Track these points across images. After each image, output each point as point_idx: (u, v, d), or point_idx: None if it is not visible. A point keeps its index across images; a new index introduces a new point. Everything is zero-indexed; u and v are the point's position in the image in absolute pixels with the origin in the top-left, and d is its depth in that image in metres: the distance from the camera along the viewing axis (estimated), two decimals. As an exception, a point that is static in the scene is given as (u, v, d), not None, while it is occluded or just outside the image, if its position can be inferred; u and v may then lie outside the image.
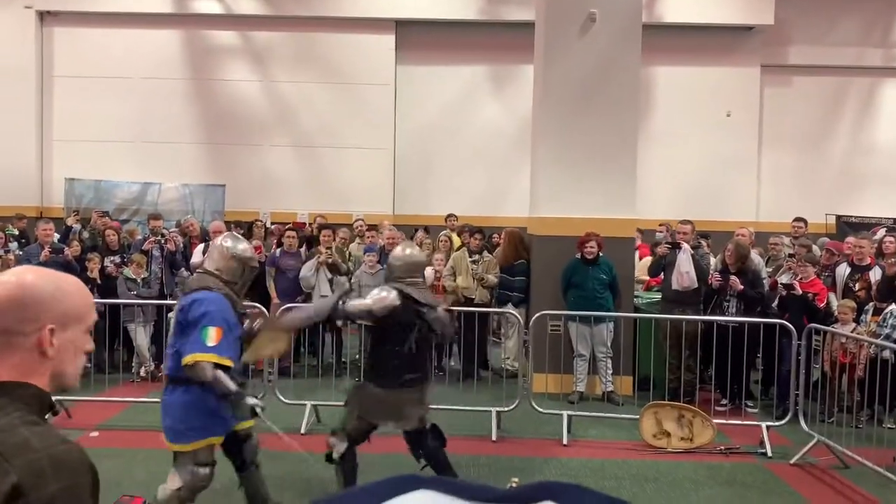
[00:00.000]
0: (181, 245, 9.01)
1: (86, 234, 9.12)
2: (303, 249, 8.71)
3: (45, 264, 7.64)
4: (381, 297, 4.50)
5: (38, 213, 12.44)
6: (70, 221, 10.35)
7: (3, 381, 1.43)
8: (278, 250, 8.61)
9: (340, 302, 4.56)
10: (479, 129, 13.45)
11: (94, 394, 6.92)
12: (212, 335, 3.87)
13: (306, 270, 8.23)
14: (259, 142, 13.40)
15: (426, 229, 10.13)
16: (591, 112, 7.80)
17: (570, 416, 6.48)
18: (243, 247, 4.26)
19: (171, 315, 4.58)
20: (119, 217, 11.87)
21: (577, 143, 7.79)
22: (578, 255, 7.53)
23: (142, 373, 7.98)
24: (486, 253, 8.34)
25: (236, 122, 13.41)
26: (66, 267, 7.83)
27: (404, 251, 4.82)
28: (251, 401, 4.02)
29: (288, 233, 8.70)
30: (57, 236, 8.52)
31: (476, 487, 1.15)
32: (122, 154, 13.16)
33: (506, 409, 6.53)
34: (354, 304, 4.55)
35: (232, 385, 3.90)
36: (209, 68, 13.45)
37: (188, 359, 3.87)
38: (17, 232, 9.34)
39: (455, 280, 8.19)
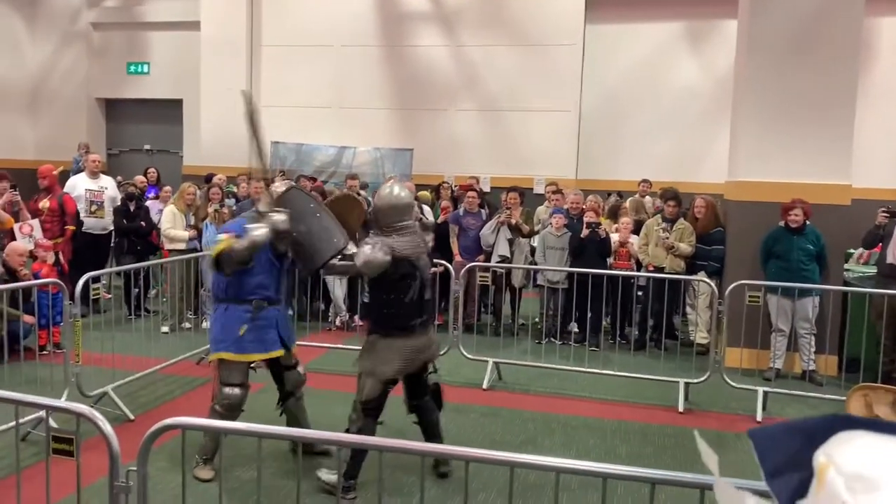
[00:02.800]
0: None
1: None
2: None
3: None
4: (371, 258, 4.15)
5: (247, 172, 13.52)
6: (277, 180, 11.20)
7: None
8: (461, 209, 8.79)
9: (335, 258, 4.33)
10: (673, 90, 12.78)
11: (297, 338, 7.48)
12: (223, 237, 4.34)
13: (487, 229, 8.34)
14: (445, 106, 13.64)
15: (619, 194, 9.86)
16: (803, 67, 7.13)
17: (765, 393, 6.10)
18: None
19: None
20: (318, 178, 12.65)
21: (786, 102, 7.17)
22: (782, 223, 6.98)
23: (337, 322, 8.53)
24: (682, 220, 7.94)
25: (425, 87, 13.72)
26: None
27: (392, 192, 4.38)
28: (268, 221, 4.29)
29: (469, 193, 8.84)
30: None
31: None
32: (320, 119, 13.95)
33: (695, 380, 6.26)
34: (344, 263, 4.34)
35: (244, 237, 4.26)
36: (401, 35, 13.83)
37: (212, 255, 4.35)
38: (236, 190, 10.28)
39: (647, 249, 7.90)
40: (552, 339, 7.75)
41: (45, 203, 8.48)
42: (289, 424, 4.79)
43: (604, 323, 7.99)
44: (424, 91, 13.71)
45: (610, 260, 8.01)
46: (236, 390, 4.53)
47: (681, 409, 6.05)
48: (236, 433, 3.02)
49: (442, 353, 6.93)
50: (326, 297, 8.69)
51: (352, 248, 4.45)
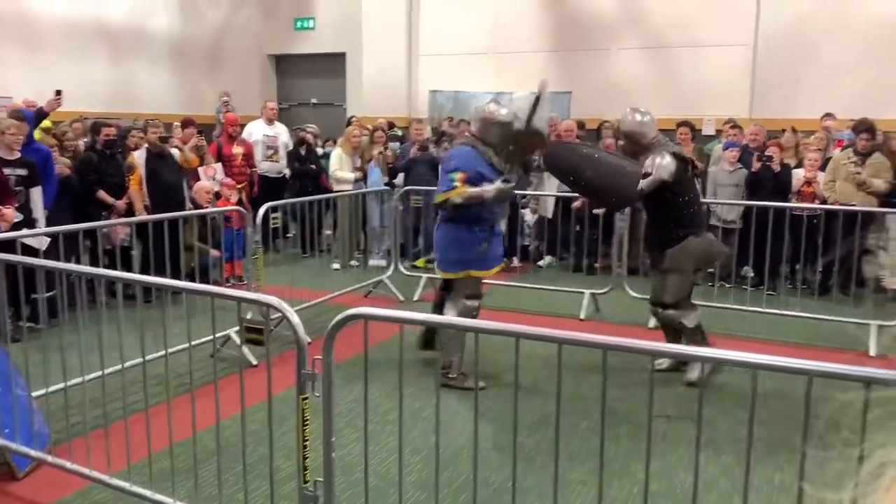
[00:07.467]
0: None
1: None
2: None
3: (415, 160, 8.52)
4: (665, 165, 4.71)
5: (406, 122, 13.79)
6: (445, 126, 11.52)
7: None
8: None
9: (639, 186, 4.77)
10: (870, 17, 11.44)
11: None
12: (457, 177, 4.58)
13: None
14: (606, 45, 13.09)
15: (793, 129, 9.08)
16: None
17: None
18: (504, 112, 4.89)
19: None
20: (475, 124, 12.68)
21: None
22: None
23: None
24: (877, 154, 7.17)
25: (584, 26, 13.23)
26: (430, 162, 8.62)
27: (634, 117, 5.02)
28: (501, 185, 4.63)
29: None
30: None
31: None
32: (477, 66, 13.87)
33: (890, 323, 5.69)
34: (648, 181, 4.74)
35: (484, 188, 4.57)
36: (560, -27, 13.40)
37: (439, 197, 4.62)
38: (400, 133, 10.61)
39: (834, 185, 7.21)
40: (724, 284, 7.31)
41: (238, 149, 9.05)
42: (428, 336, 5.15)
43: (783, 267, 7.44)
44: (584, 31, 13.23)
45: (791, 199, 7.39)
46: (475, 302, 4.87)
47: (872, 353, 5.53)
48: (421, 324, 3.07)
49: (603, 291, 6.81)
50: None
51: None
